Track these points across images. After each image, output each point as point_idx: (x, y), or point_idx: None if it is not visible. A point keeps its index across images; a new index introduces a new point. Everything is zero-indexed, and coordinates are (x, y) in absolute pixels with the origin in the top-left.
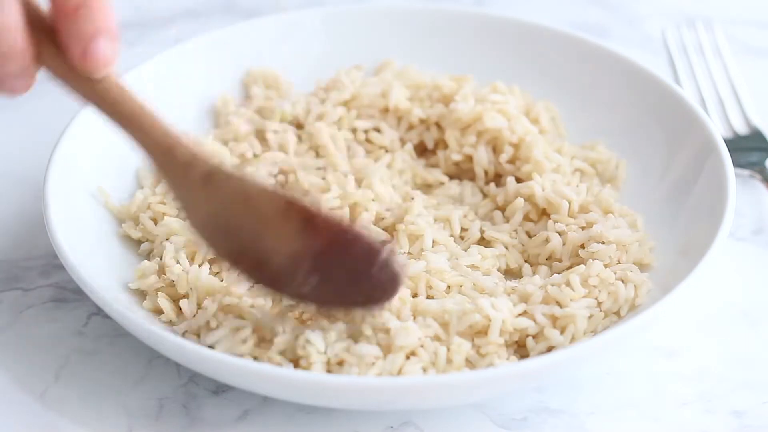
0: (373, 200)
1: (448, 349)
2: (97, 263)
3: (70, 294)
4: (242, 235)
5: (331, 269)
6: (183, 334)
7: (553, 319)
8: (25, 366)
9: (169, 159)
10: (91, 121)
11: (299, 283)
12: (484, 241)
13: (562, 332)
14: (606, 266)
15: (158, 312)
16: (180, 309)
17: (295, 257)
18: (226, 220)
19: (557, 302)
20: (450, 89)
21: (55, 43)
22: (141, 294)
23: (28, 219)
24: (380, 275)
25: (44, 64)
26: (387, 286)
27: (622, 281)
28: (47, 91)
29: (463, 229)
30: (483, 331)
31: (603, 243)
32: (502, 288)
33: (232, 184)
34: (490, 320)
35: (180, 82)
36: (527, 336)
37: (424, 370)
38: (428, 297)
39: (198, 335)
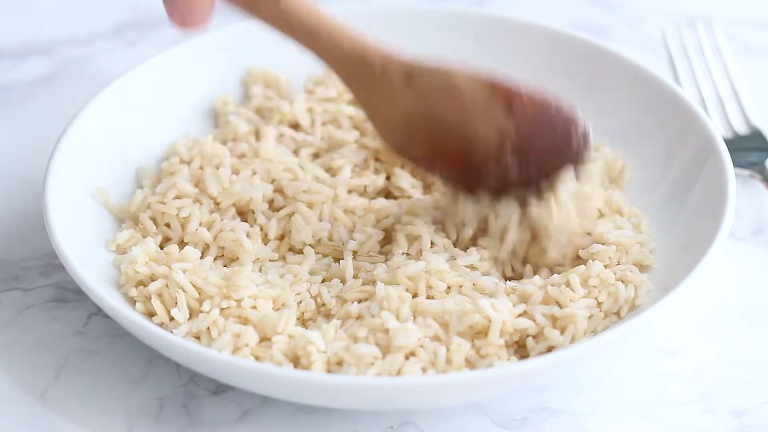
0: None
1: (448, 349)
2: (97, 263)
3: (70, 294)
4: (447, 125)
5: (535, 143)
6: (183, 337)
7: (553, 320)
8: (25, 366)
9: (362, 66)
10: (91, 121)
11: (504, 165)
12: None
13: (562, 332)
14: (606, 267)
15: (151, 315)
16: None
17: (503, 137)
18: (431, 114)
19: (557, 302)
20: None
21: None
22: (139, 294)
23: (28, 219)
24: (578, 146)
25: None
26: (581, 153)
27: (622, 282)
28: (47, 91)
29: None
30: (483, 332)
31: (604, 244)
32: (502, 288)
33: (435, 77)
34: (490, 321)
35: (180, 82)
36: (527, 336)
37: (424, 370)
38: (428, 297)
39: (198, 338)
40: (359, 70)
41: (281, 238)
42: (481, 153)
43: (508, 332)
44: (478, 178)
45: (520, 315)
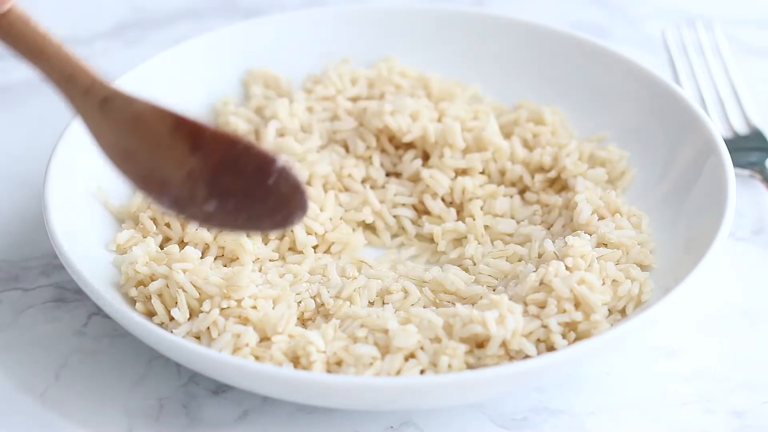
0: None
1: (447, 352)
2: (97, 263)
3: (70, 294)
4: (142, 157)
5: (228, 185)
6: (183, 337)
7: (572, 326)
8: (25, 366)
9: (71, 85)
10: None
11: (200, 203)
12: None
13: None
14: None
15: (151, 315)
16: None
17: (191, 175)
18: (126, 144)
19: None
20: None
21: None
22: (139, 294)
23: (28, 219)
24: (279, 187)
25: None
26: (290, 199)
27: (627, 278)
28: (47, 91)
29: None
30: (482, 344)
31: (605, 245)
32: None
33: (125, 107)
34: (490, 337)
35: (180, 82)
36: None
37: (423, 372)
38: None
39: (198, 338)
40: (72, 89)
41: (281, 237)
42: (176, 188)
43: (513, 349)
44: (185, 212)
45: (532, 331)
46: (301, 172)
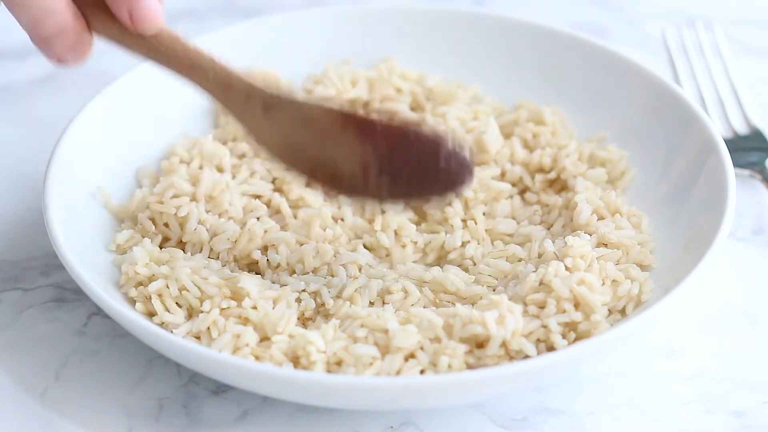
0: None
1: (447, 352)
2: (97, 263)
3: (70, 294)
4: (311, 152)
5: (400, 168)
6: (183, 337)
7: (572, 326)
8: (25, 366)
9: (230, 95)
10: (91, 121)
11: (375, 186)
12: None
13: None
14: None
15: (151, 315)
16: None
17: (363, 164)
18: (293, 142)
19: (576, 304)
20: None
21: (103, 10)
22: (139, 294)
23: (28, 219)
24: (449, 165)
25: (97, 32)
26: (458, 173)
27: (627, 278)
28: (47, 91)
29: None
30: (482, 344)
31: (606, 245)
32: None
33: (289, 110)
34: (490, 337)
35: (180, 82)
36: (537, 341)
37: (423, 371)
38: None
39: (198, 338)
40: (229, 97)
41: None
42: (348, 175)
43: (513, 349)
44: (358, 194)
45: (532, 331)
46: (468, 146)
